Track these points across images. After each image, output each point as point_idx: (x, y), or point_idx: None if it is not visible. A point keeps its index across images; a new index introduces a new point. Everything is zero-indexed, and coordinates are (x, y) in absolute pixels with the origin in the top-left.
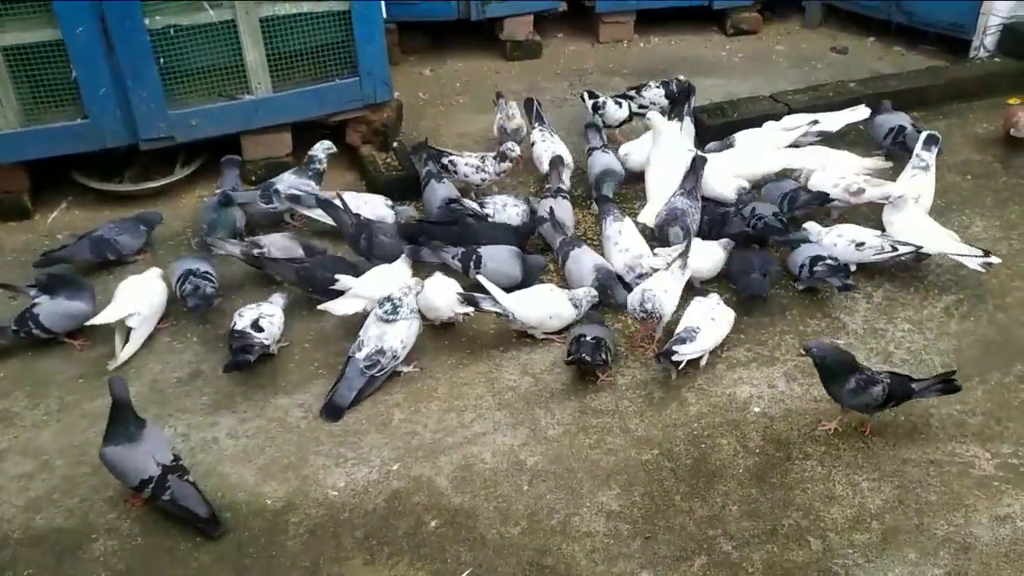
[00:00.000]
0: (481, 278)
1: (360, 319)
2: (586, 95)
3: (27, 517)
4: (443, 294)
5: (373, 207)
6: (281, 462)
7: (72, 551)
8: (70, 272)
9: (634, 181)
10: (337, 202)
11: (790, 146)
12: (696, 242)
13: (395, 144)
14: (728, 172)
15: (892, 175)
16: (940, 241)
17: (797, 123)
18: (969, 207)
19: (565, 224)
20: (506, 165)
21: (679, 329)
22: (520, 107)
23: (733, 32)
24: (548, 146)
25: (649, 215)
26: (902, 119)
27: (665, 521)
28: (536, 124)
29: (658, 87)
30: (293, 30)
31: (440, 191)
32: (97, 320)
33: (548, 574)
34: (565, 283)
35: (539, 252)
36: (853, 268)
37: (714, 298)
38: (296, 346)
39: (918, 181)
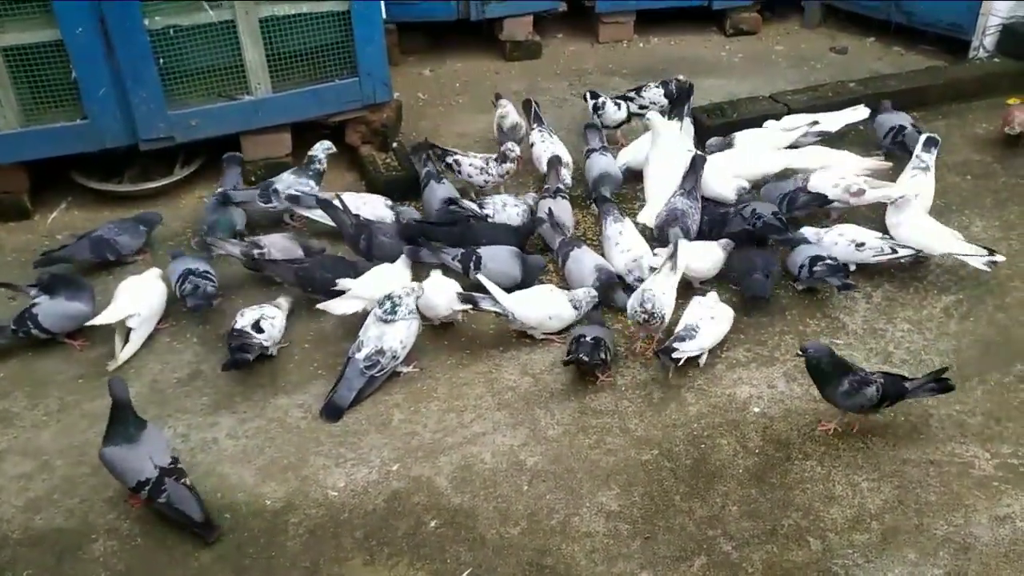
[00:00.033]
0: (482, 277)
1: (360, 319)
2: (588, 95)
3: (27, 517)
4: (442, 293)
5: (372, 207)
6: (281, 462)
7: (72, 551)
8: (70, 272)
9: (634, 181)
10: (336, 203)
11: (790, 146)
12: (691, 243)
13: (395, 144)
14: (728, 172)
15: (892, 175)
16: (945, 242)
17: (797, 124)
18: (968, 207)
19: (564, 224)
20: (508, 166)
21: (679, 328)
22: (517, 107)
23: (732, 32)
24: (547, 146)
25: (649, 215)
26: (903, 119)
27: (665, 521)
28: (535, 125)
29: (658, 87)
30: (293, 30)
31: (439, 191)
32: (97, 321)
33: (548, 574)
34: (565, 283)
35: (538, 252)
36: (852, 268)
37: (713, 297)
38: (296, 346)
39: (918, 182)
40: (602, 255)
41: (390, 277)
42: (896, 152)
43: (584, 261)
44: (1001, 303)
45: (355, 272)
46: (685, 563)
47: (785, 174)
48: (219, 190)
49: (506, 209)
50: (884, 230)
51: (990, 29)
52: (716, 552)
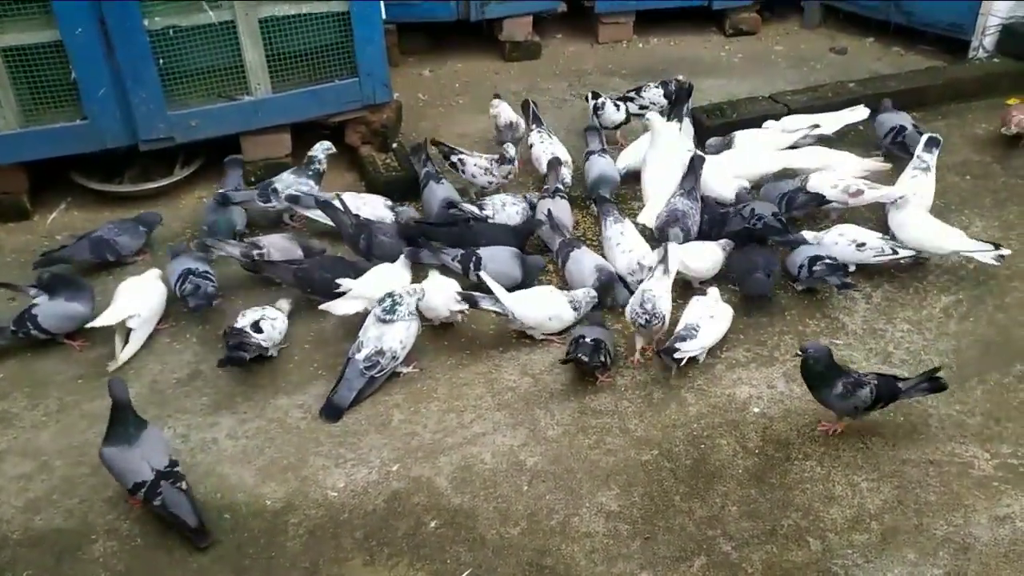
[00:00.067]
0: (484, 275)
1: (360, 319)
2: (590, 96)
3: (26, 518)
4: (441, 292)
5: (372, 207)
6: (280, 463)
7: (71, 552)
8: (70, 273)
9: (634, 182)
10: (336, 203)
11: (789, 147)
12: (690, 243)
13: (394, 145)
14: (728, 172)
15: (891, 176)
16: (951, 240)
17: (797, 125)
18: (968, 207)
19: (564, 225)
20: (508, 167)
21: (679, 327)
22: (513, 106)
23: (732, 32)
24: (546, 147)
25: (649, 216)
26: (904, 119)
27: (664, 521)
28: (534, 126)
29: (657, 88)
30: (292, 31)
31: (439, 192)
32: (97, 322)
33: (548, 574)
34: (564, 284)
35: (538, 253)
36: (852, 268)
37: (715, 294)
38: (296, 347)
39: (918, 182)
40: (602, 255)
41: (390, 277)
42: (896, 152)
43: (584, 262)
44: (1001, 303)
45: (355, 272)
46: (685, 563)
47: (785, 174)
48: (220, 191)
49: (505, 208)
50: (884, 230)
51: (990, 29)
52: (716, 552)
